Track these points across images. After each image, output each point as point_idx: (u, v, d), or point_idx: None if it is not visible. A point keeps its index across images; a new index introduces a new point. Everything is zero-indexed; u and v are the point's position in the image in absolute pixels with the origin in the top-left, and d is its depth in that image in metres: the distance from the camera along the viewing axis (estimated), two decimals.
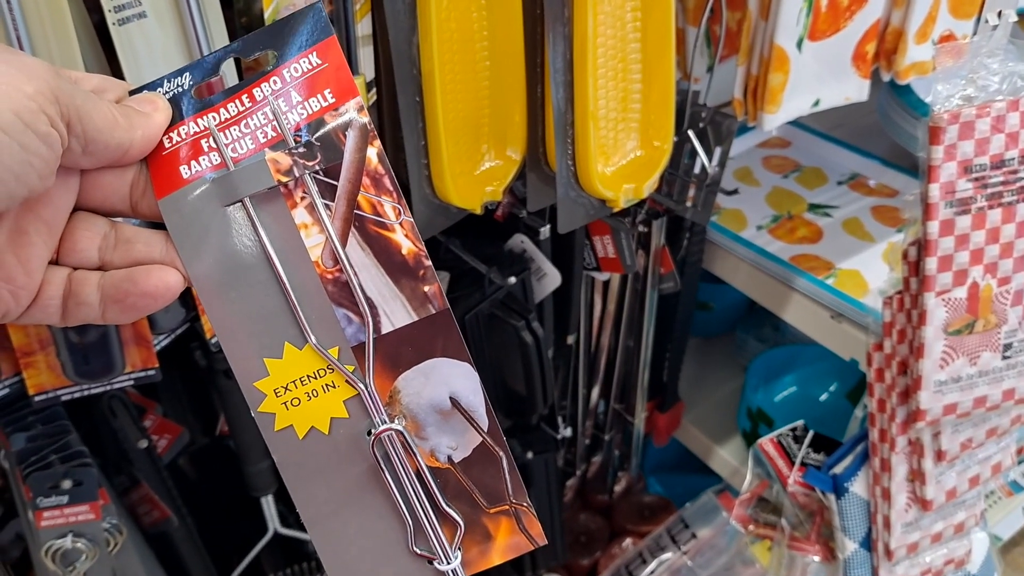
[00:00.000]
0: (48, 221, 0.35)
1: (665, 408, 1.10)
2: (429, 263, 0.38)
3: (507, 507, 0.41)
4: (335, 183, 0.37)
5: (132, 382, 0.54)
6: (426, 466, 0.40)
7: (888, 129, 1.02)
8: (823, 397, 1.14)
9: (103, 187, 0.36)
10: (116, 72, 0.49)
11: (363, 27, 0.55)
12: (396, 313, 0.38)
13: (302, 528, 0.85)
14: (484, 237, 0.83)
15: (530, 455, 0.93)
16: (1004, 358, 0.69)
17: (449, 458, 0.40)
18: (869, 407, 0.77)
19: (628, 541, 1.12)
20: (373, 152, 0.37)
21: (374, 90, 0.58)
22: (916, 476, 0.76)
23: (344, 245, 0.37)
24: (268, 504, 0.81)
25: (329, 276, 0.37)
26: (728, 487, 1.07)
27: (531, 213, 0.81)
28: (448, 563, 0.41)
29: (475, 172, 0.64)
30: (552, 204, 0.72)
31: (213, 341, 0.60)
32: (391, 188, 0.37)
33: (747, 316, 1.23)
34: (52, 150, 0.32)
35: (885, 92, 1.03)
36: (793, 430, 0.89)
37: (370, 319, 0.38)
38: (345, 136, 0.37)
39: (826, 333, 0.90)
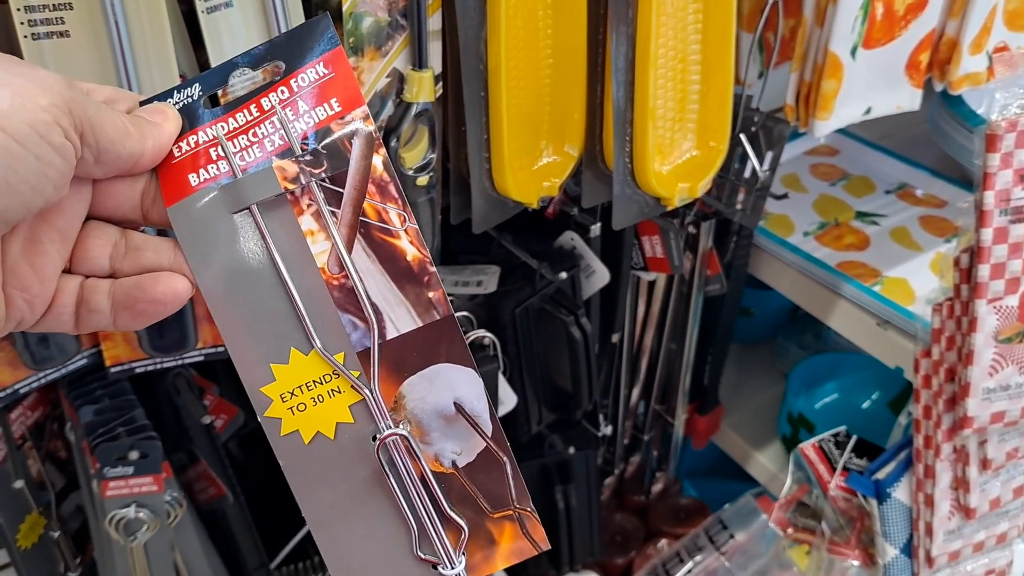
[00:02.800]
0: (62, 230, 0.36)
1: (705, 411, 1.10)
2: (434, 269, 0.39)
3: (511, 512, 0.41)
4: (341, 190, 0.38)
5: (203, 357, 0.56)
6: (430, 471, 0.40)
7: (939, 139, 1.02)
8: (865, 405, 1.13)
9: (115, 196, 0.37)
10: (201, 60, 0.51)
11: (434, 22, 0.57)
12: (401, 319, 0.39)
13: None
14: (535, 233, 0.85)
15: (571, 451, 0.94)
16: None
17: (453, 463, 0.41)
18: (914, 413, 0.77)
19: (663, 542, 1.13)
20: (378, 160, 0.38)
21: (440, 84, 0.60)
22: (960, 484, 0.76)
23: (350, 251, 0.38)
24: None
25: (335, 282, 0.38)
26: (765, 491, 1.08)
27: (582, 211, 0.82)
28: (452, 568, 0.41)
29: (533, 167, 0.66)
30: (604, 202, 0.73)
31: None
32: (396, 195, 0.38)
33: (789, 323, 1.23)
34: (66, 161, 0.32)
35: (936, 102, 1.03)
36: (835, 435, 0.89)
37: (375, 325, 0.38)
38: (351, 144, 0.38)
39: (872, 340, 0.90)
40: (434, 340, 0.39)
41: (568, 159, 0.66)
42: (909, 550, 0.81)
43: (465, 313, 0.78)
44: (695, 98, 0.66)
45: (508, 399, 0.81)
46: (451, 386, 0.40)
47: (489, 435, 0.41)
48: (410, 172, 0.60)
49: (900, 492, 0.79)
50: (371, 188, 0.38)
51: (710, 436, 1.15)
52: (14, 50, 0.45)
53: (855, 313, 0.91)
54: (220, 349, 0.57)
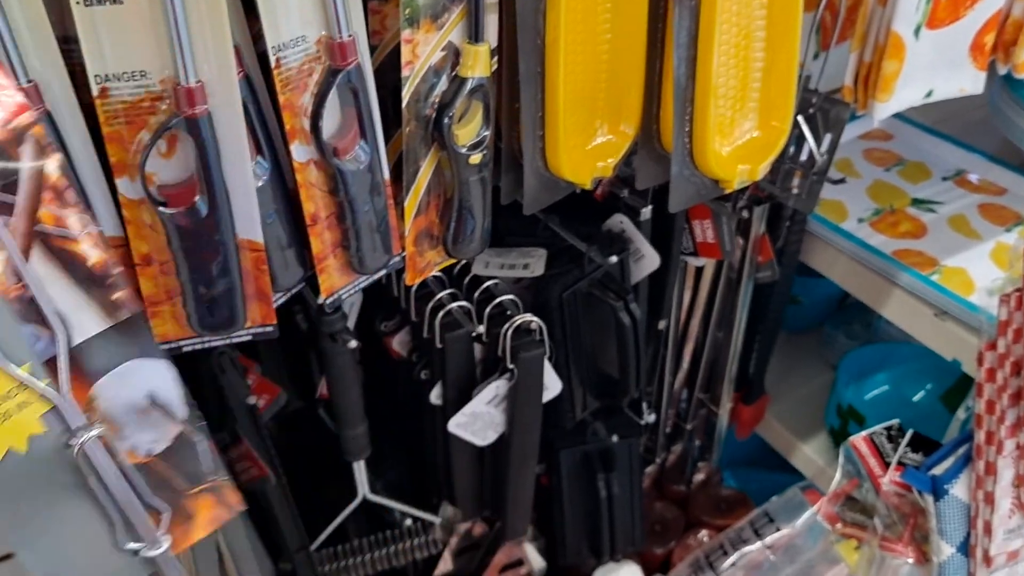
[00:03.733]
0: None
1: (750, 400, 1.08)
2: (118, 270, 0.39)
3: (207, 485, 0.45)
4: (12, 200, 0.37)
5: (251, 337, 0.55)
6: (128, 463, 0.42)
7: (999, 124, 0.99)
8: (916, 397, 1.10)
9: None
10: (254, 30, 0.49)
11: None
12: (88, 322, 0.39)
13: (389, 495, 0.86)
14: (582, 216, 0.83)
15: (615, 439, 0.92)
16: None
17: (149, 451, 0.43)
18: (976, 408, 0.74)
19: (704, 533, 1.11)
20: (53, 164, 0.37)
21: (495, 59, 0.58)
22: (1022, 481, 0.73)
23: (27, 261, 0.37)
24: (359, 469, 0.82)
25: (13, 293, 0.37)
26: (812, 485, 1.05)
27: (632, 193, 0.80)
28: (157, 549, 0.44)
29: (587, 147, 0.64)
30: (656, 185, 0.71)
31: (322, 302, 0.61)
32: (75, 200, 0.37)
33: (837, 312, 1.20)
34: None
35: (998, 86, 1.00)
36: (888, 429, 0.87)
37: (62, 332, 0.38)
38: (19, 151, 0.36)
39: (928, 331, 0.87)
40: (123, 338, 0.40)
41: (623, 138, 0.64)
42: (966, 549, 0.78)
43: (511, 296, 0.76)
44: (758, 76, 0.63)
45: (553, 385, 0.80)
46: (144, 380, 0.42)
47: (183, 418, 0.44)
48: (463, 150, 0.58)
49: (958, 489, 0.77)
50: (47, 195, 0.37)
51: (754, 426, 1.13)
52: (66, 17, 0.44)
53: (911, 303, 0.88)
54: (269, 329, 0.55)
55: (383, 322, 0.85)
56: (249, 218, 0.51)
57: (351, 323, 0.79)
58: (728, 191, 0.66)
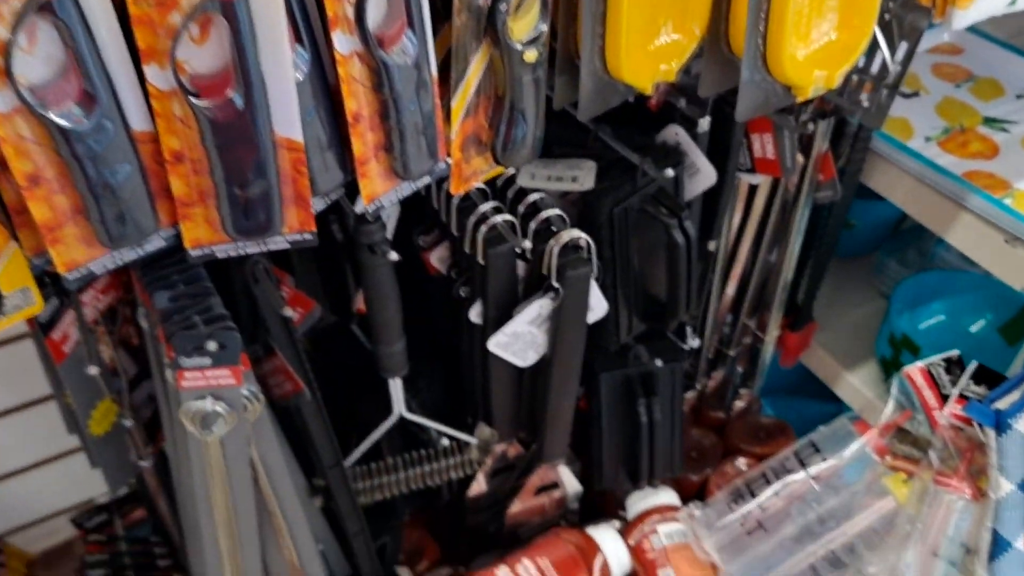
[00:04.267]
0: None
1: (797, 327, 1.04)
2: None
3: None
4: None
5: (288, 244, 0.51)
6: None
7: None
8: (974, 328, 1.06)
9: None
10: None
11: None
12: None
13: (424, 413, 0.84)
14: (634, 126, 0.78)
15: (658, 363, 0.89)
16: None
17: None
18: None
19: (741, 461, 1.08)
20: None
21: None
22: None
23: None
24: (396, 386, 0.79)
25: None
26: (857, 415, 1.02)
27: (690, 102, 0.75)
28: None
29: (649, 47, 0.59)
30: (717, 94, 0.66)
31: (362, 210, 0.58)
32: None
33: (891, 237, 1.15)
34: None
35: None
36: (946, 360, 0.83)
37: None
38: None
39: (997, 258, 0.82)
40: None
41: (690, 39, 0.59)
42: None
43: (558, 211, 0.72)
44: None
45: (599, 306, 0.76)
46: None
47: None
48: (518, 46, 0.53)
49: (1023, 424, 0.73)
50: None
51: (800, 354, 1.09)
52: None
53: (980, 228, 0.83)
54: (308, 236, 0.52)
55: (420, 236, 0.81)
56: (288, 114, 0.47)
57: (388, 236, 0.76)
58: (801, 100, 0.61)
